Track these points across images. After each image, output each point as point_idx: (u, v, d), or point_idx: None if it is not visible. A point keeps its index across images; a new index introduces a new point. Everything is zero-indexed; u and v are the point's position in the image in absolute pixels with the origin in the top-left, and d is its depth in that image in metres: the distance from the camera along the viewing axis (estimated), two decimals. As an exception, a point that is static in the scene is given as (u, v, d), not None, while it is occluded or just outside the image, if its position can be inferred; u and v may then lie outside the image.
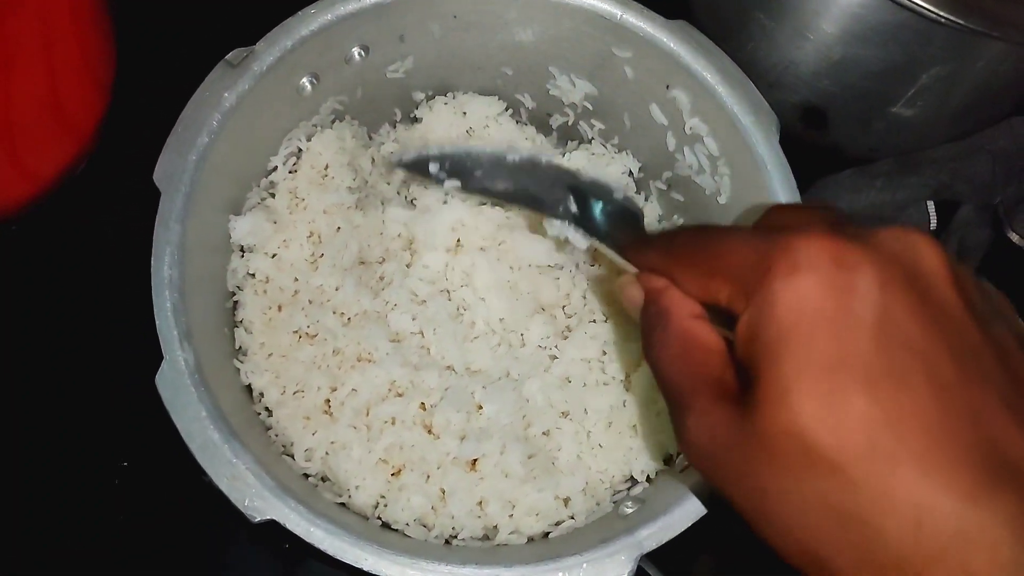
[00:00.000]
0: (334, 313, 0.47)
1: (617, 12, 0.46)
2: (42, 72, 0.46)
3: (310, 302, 0.48)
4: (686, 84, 0.46)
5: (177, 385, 0.37)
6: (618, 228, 0.41)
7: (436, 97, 0.53)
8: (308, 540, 0.36)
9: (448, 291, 0.49)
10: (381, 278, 0.49)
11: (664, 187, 0.53)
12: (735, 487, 0.28)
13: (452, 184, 0.45)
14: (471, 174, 0.45)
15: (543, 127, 0.56)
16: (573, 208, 0.42)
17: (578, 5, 0.46)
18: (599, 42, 0.48)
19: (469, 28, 0.48)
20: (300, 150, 0.50)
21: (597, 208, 0.42)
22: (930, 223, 0.52)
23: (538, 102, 0.54)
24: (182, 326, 0.38)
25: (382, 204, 0.50)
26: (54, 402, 0.51)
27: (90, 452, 0.49)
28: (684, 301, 0.32)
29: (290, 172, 0.50)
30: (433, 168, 0.45)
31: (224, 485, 0.36)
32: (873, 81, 0.51)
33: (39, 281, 0.53)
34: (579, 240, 0.41)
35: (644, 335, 0.33)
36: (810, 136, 0.56)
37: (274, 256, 0.48)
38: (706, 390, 0.29)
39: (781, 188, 0.44)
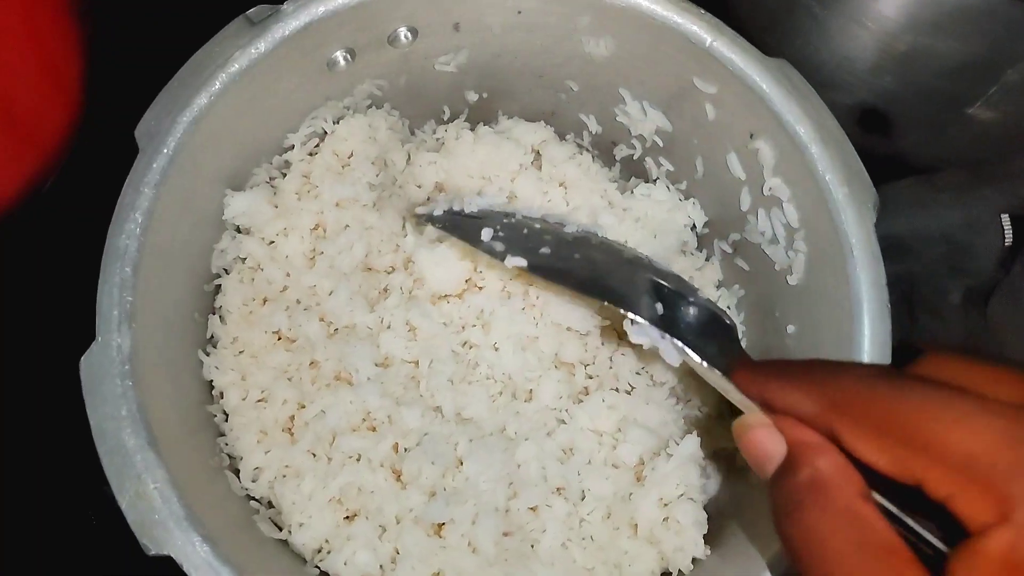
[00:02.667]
0: (320, 320, 0.42)
1: (707, 38, 0.38)
2: None
3: (297, 302, 0.42)
4: (773, 135, 0.39)
5: (101, 372, 0.32)
6: (709, 341, 0.34)
7: (472, 127, 0.47)
8: (205, 591, 0.30)
9: (458, 325, 0.43)
10: (384, 291, 0.43)
11: (729, 250, 0.45)
12: None
13: (517, 263, 0.39)
14: (536, 252, 0.39)
15: (605, 156, 0.49)
16: (659, 308, 0.36)
17: (663, 21, 0.39)
18: (681, 69, 0.41)
19: (534, 29, 0.42)
20: (324, 132, 0.44)
21: (686, 313, 0.35)
22: (1004, 241, 0.43)
23: (604, 127, 0.47)
24: (125, 305, 0.33)
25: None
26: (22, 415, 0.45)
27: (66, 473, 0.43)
28: (850, 472, 0.25)
29: (309, 154, 0.44)
30: (486, 235, 0.40)
31: (124, 502, 0.30)
32: (947, 78, 0.43)
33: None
34: (671, 353, 0.35)
35: (783, 507, 0.26)
36: (868, 142, 0.46)
37: (270, 243, 0.43)
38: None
39: (866, 282, 0.36)
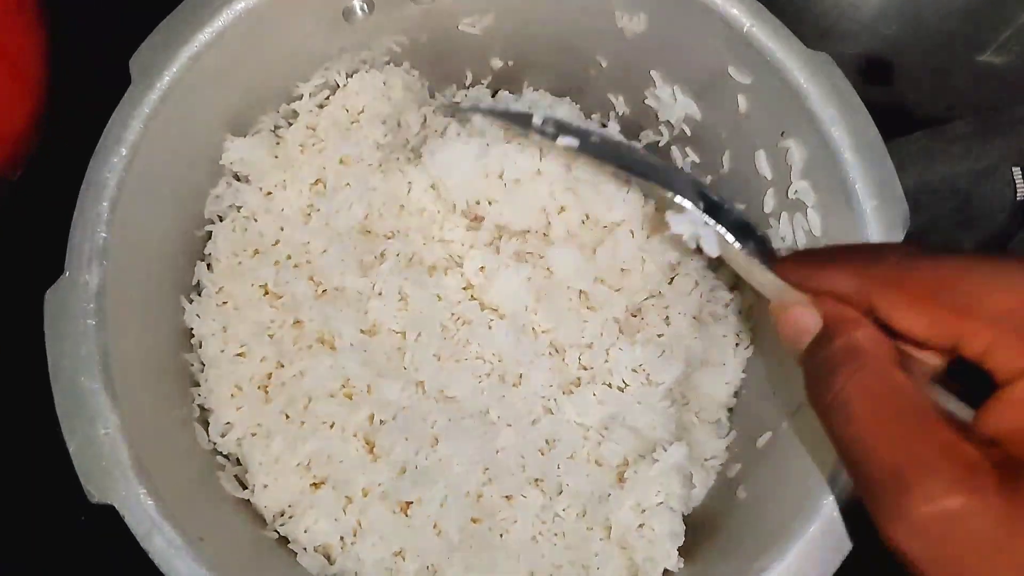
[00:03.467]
0: (310, 280, 0.40)
1: (746, 22, 0.36)
2: None
3: (288, 258, 0.41)
4: (805, 135, 0.36)
5: (65, 309, 0.31)
6: (747, 240, 0.33)
7: (493, 93, 0.45)
8: (143, 546, 0.29)
9: (453, 300, 0.41)
10: (381, 256, 0.41)
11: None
12: None
13: (568, 142, 0.37)
14: (586, 138, 0.38)
15: (631, 140, 0.47)
16: (701, 205, 0.34)
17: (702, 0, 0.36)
18: (716, 54, 0.38)
19: (563, -1, 0.39)
20: (337, 85, 0.43)
21: (727, 215, 0.33)
22: (1016, 193, 0.41)
23: (632, 109, 0.45)
24: (98, 241, 0.32)
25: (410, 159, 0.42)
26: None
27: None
28: (885, 341, 0.25)
29: (318, 106, 0.43)
30: (537, 120, 0.38)
31: (73, 446, 0.29)
32: (955, 23, 0.42)
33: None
34: (711, 242, 0.33)
35: (817, 376, 0.26)
36: (871, 94, 0.45)
37: (268, 195, 0.41)
38: (945, 467, 0.22)
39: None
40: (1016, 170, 0.40)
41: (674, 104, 0.42)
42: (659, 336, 0.41)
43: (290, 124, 0.42)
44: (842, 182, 0.35)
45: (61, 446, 0.29)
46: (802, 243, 0.38)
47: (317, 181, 0.42)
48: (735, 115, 0.39)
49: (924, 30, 0.43)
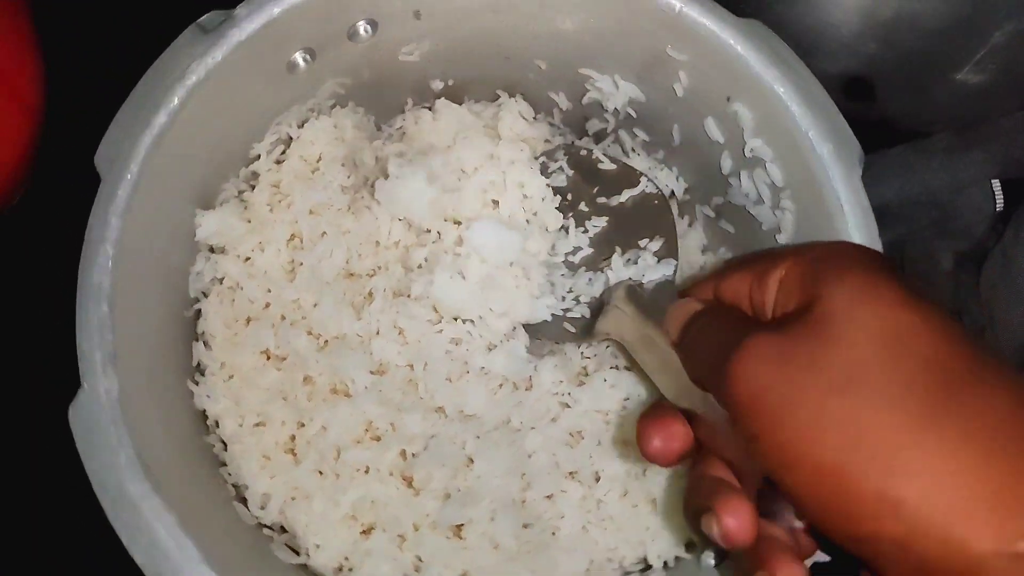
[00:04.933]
0: (308, 334, 0.40)
1: (676, 4, 0.38)
2: None
3: (283, 318, 0.40)
4: (751, 96, 0.38)
5: (93, 421, 0.30)
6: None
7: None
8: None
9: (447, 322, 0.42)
10: (369, 295, 0.42)
11: (712, 215, 0.45)
12: (785, 415, 0.25)
13: None
14: None
15: (577, 131, 0.48)
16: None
17: (633, -9, 0.38)
18: (653, 39, 0.40)
19: (500, 10, 0.40)
20: (290, 138, 0.42)
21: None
22: (996, 205, 0.44)
23: (574, 103, 0.46)
24: (107, 347, 0.31)
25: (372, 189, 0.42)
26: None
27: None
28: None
29: (276, 163, 0.42)
30: None
31: (139, 555, 0.29)
32: (933, 42, 0.43)
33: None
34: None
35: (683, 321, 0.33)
36: (854, 110, 0.47)
37: (247, 260, 0.41)
38: (752, 323, 0.30)
39: (858, 232, 0.36)
40: (996, 183, 0.43)
41: (616, 91, 0.44)
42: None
43: (253, 187, 0.42)
44: (793, 133, 0.37)
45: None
46: (767, 197, 0.40)
47: (292, 236, 0.42)
48: (679, 90, 0.42)
49: (902, 49, 0.44)
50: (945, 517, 0.22)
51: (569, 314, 0.42)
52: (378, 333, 0.40)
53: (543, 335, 0.42)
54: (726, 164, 0.42)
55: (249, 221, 0.41)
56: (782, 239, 0.40)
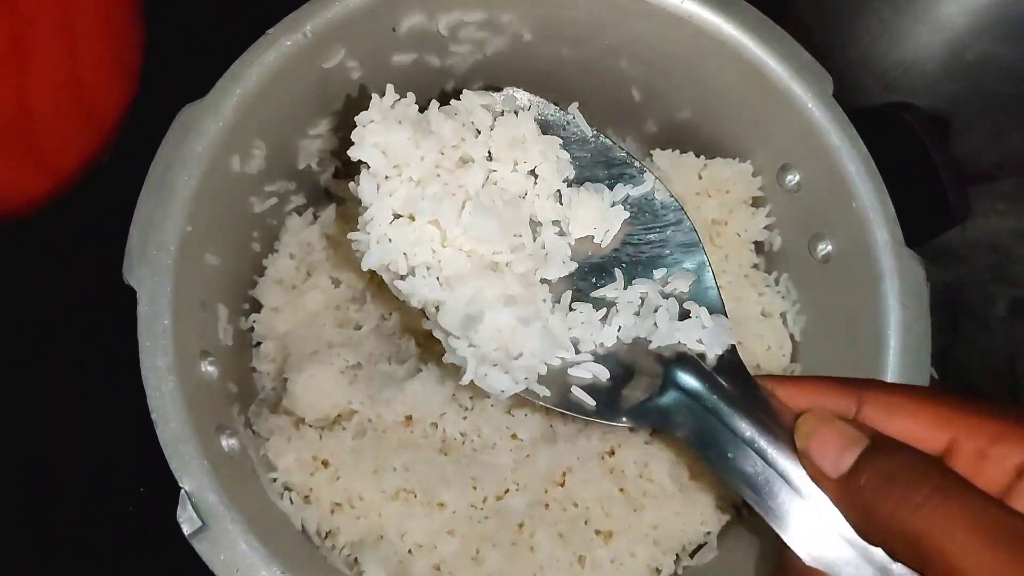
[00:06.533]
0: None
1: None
2: (62, 56, 0.41)
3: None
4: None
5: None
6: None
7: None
8: None
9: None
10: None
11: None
12: None
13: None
14: None
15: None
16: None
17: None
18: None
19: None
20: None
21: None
22: None
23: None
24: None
25: None
26: (64, 412, 0.47)
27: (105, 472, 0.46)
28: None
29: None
30: None
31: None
32: (1014, 87, 0.43)
33: (54, 283, 0.49)
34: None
35: (877, 492, 0.26)
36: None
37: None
38: (971, 491, 0.25)
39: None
40: None
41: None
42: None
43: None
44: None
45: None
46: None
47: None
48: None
49: (984, 90, 0.44)
50: None
51: (574, 373, 0.35)
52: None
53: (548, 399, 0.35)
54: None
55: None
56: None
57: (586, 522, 0.41)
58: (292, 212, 0.47)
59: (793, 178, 0.41)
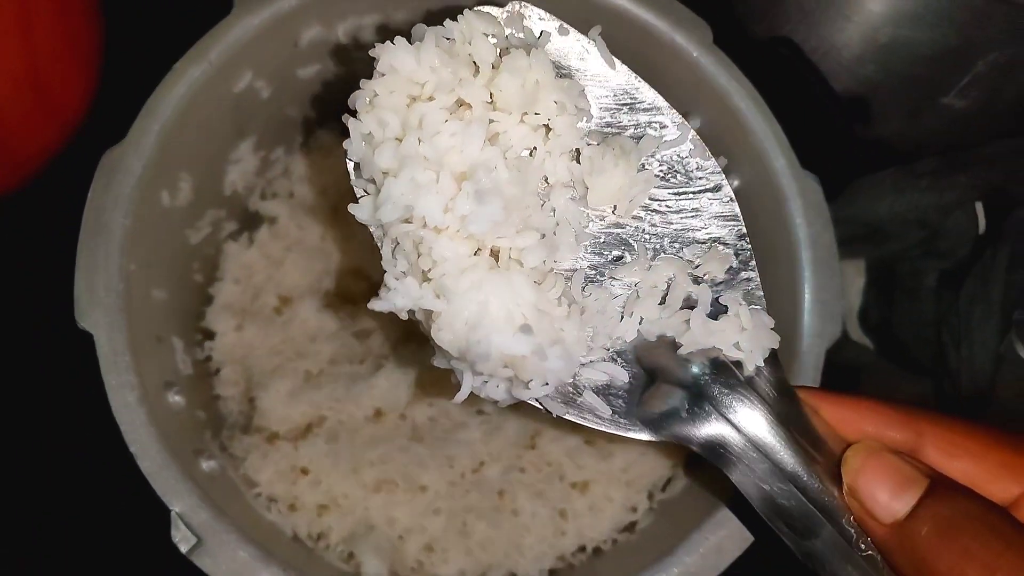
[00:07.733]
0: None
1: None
2: (19, 48, 0.41)
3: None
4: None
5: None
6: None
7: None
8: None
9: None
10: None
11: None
12: None
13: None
14: None
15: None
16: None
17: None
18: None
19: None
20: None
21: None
22: (978, 227, 0.47)
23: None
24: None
25: None
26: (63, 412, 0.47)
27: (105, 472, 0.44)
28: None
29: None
30: None
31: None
32: (923, 67, 0.46)
33: (16, 274, 0.49)
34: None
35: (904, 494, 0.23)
36: (854, 131, 0.52)
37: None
38: None
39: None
40: (979, 205, 0.45)
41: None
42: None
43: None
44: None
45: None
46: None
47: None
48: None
49: (896, 73, 0.46)
50: None
51: (587, 374, 0.30)
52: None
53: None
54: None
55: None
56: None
57: (561, 478, 0.44)
58: (228, 239, 0.47)
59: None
